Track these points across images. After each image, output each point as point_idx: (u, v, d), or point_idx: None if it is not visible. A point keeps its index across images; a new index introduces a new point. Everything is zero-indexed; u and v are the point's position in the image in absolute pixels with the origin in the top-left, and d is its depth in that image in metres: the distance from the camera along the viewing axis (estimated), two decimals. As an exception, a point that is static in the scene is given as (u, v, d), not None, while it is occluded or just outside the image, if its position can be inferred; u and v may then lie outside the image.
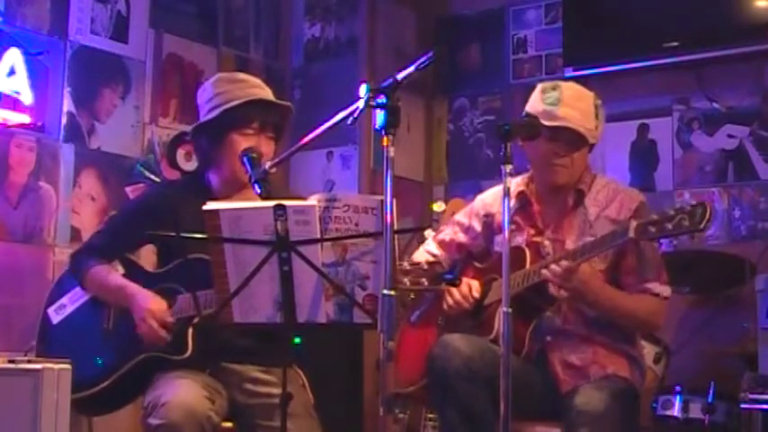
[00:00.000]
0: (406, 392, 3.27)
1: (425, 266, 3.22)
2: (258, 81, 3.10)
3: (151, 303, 2.92)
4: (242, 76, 3.11)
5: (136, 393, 2.98)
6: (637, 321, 3.05)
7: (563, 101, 3.00)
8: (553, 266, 2.86)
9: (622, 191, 3.13)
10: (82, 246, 3.26)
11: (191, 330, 2.91)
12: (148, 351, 2.94)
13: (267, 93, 3.07)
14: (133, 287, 3.01)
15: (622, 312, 2.98)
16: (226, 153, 3.01)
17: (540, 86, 3.11)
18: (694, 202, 2.68)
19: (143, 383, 2.90)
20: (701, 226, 2.63)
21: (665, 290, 3.03)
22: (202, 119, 3.05)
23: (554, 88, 3.05)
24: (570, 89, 3.06)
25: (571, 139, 3.03)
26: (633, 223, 2.77)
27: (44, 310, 3.17)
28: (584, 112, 3.03)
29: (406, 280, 3.15)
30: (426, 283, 3.17)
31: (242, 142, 2.96)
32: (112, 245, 3.12)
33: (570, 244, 3.01)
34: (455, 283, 3.13)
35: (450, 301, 3.13)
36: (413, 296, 3.32)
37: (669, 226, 2.69)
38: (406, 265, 3.20)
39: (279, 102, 3.09)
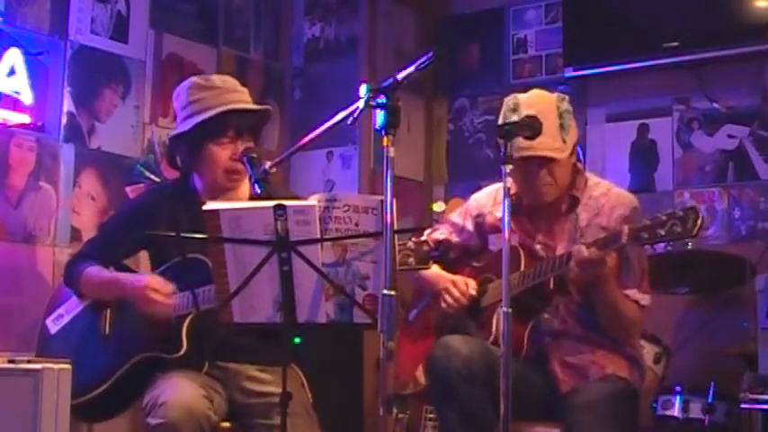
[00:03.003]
0: (406, 393, 3.27)
1: (412, 246, 3.19)
2: (233, 84, 3.07)
3: (148, 279, 2.93)
4: (216, 80, 3.07)
5: (134, 397, 2.98)
6: (624, 325, 2.99)
7: None
8: (582, 247, 2.79)
9: (615, 196, 3.06)
10: (74, 254, 3.25)
11: (185, 328, 2.91)
12: (145, 351, 2.94)
13: (242, 96, 3.05)
14: (127, 275, 3.03)
15: (616, 310, 2.94)
16: (205, 162, 3.02)
17: (504, 104, 3.01)
18: (686, 206, 2.65)
19: (140, 386, 2.90)
20: (694, 232, 2.60)
21: (645, 298, 2.99)
22: (178, 128, 3.06)
23: (514, 110, 2.95)
24: (530, 106, 2.93)
25: (542, 161, 2.95)
26: (625, 228, 2.75)
27: (43, 321, 3.17)
28: (548, 130, 2.88)
29: None
30: (414, 263, 3.15)
31: (219, 152, 2.98)
32: (105, 251, 3.12)
33: (560, 250, 2.99)
34: (441, 261, 3.10)
35: (448, 299, 3.12)
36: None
37: (661, 232, 2.65)
38: None
39: (253, 108, 3.05)
